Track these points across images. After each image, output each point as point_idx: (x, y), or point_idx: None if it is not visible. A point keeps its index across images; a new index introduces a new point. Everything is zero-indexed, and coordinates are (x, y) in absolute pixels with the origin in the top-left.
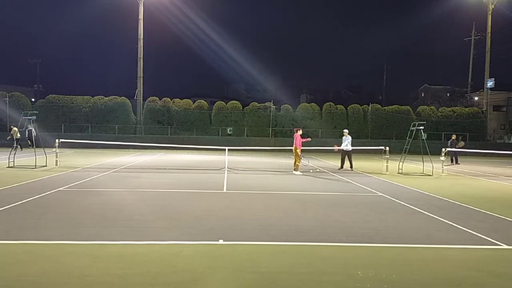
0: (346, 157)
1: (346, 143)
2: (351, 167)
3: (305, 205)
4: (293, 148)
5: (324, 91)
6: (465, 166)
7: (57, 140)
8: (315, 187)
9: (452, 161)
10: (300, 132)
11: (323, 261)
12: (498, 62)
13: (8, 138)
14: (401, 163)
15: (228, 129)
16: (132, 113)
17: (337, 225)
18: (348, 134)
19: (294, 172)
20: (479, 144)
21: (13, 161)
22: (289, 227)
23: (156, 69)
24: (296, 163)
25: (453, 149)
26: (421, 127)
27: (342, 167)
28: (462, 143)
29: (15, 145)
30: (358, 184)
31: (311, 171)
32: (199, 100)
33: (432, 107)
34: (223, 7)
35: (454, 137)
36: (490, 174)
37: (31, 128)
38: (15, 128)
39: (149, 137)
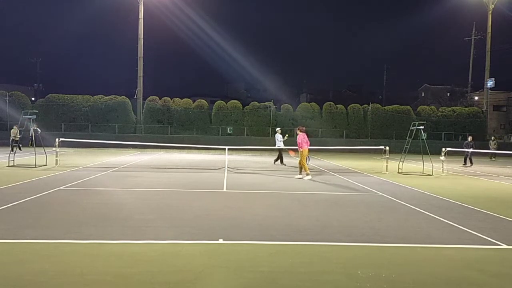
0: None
1: (280, 140)
2: (281, 162)
3: (304, 204)
4: (301, 149)
5: (324, 91)
6: (465, 166)
7: (57, 139)
8: (315, 186)
9: (468, 162)
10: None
11: (323, 261)
12: (498, 62)
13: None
14: (401, 163)
15: (228, 129)
16: (132, 113)
17: (336, 224)
18: (281, 133)
19: (305, 177)
20: (479, 144)
21: (13, 160)
22: (288, 226)
23: (156, 68)
24: (305, 166)
25: (469, 150)
26: (421, 127)
27: (277, 161)
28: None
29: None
30: (358, 184)
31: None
32: (199, 100)
33: (432, 106)
34: (223, 6)
35: (470, 138)
36: (490, 174)
37: (36, 127)
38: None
39: (149, 136)
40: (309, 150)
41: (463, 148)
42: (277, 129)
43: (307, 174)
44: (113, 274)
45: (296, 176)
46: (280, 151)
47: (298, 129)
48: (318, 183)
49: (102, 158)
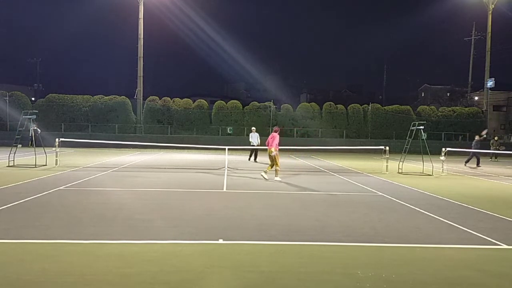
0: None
1: (255, 138)
2: (255, 160)
3: (304, 204)
4: (269, 149)
5: (324, 91)
6: (465, 166)
7: (57, 139)
8: (315, 186)
9: (478, 162)
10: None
11: (323, 261)
12: (498, 62)
13: None
14: (401, 163)
15: (228, 129)
16: (132, 113)
17: (336, 224)
18: (256, 131)
19: (276, 178)
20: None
21: (13, 160)
22: (288, 226)
23: (156, 68)
24: (277, 167)
25: (474, 150)
26: (421, 127)
27: (250, 159)
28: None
29: None
30: (358, 184)
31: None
32: (199, 100)
33: (432, 107)
34: (223, 6)
35: (477, 137)
36: (490, 174)
37: (35, 128)
38: None
39: (149, 136)
40: (303, 150)
41: (473, 148)
42: (253, 128)
43: (277, 176)
44: (113, 274)
45: (272, 178)
46: (254, 149)
47: (275, 130)
48: (318, 183)
49: (102, 158)
